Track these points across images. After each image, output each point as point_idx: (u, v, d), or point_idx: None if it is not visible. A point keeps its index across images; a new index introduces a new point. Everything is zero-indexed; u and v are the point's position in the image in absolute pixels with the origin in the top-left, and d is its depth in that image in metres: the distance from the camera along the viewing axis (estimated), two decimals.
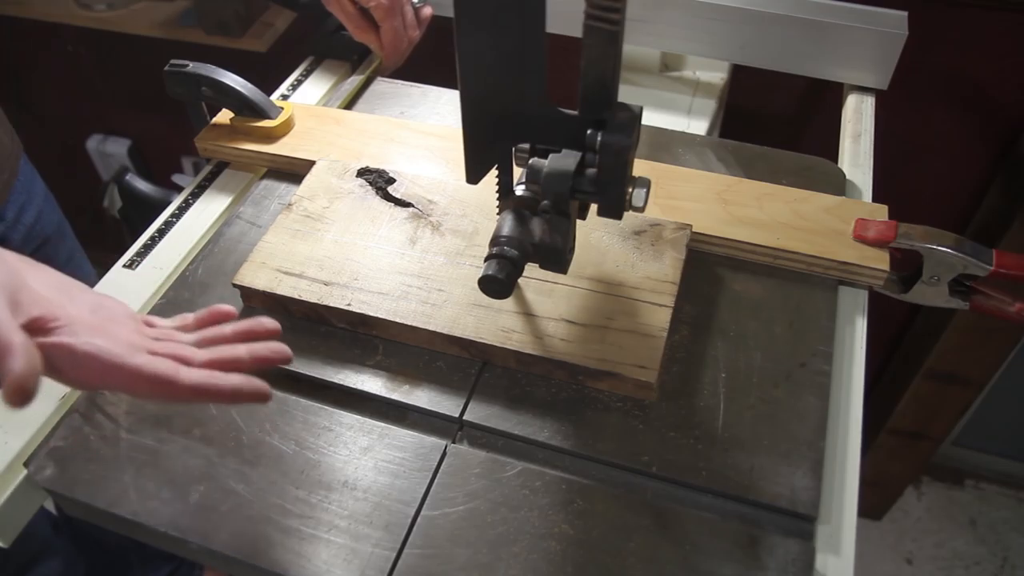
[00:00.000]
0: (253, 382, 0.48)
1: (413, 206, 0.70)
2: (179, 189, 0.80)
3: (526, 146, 0.54)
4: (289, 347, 0.61)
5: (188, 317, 0.53)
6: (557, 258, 0.56)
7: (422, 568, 0.51)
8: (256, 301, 0.66)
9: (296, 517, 0.53)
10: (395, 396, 0.60)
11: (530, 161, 0.54)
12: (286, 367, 0.60)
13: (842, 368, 0.62)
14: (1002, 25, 0.97)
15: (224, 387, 0.47)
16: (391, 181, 0.72)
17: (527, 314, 0.61)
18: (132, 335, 0.48)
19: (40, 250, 0.93)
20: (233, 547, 0.52)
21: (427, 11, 0.92)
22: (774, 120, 1.19)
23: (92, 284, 0.80)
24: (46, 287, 0.47)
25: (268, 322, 0.52)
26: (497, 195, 0.58)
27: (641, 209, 0.54)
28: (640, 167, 0.71)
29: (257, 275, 0.65)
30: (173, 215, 0.76)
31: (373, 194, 0.71)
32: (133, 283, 0.69)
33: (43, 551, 1.04)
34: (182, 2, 1.35)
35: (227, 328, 0.52)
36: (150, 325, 0.52)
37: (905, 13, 0.82)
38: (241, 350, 0.50)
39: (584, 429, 0.57)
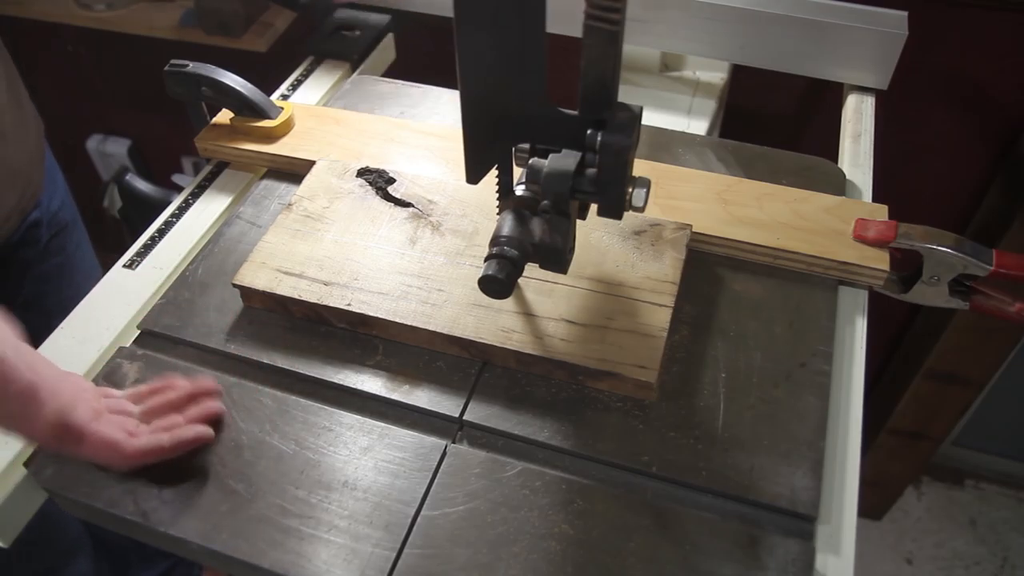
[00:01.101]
0: (191, 430, 0.56)
1: (413, 206, 0.70)
2: (179, 189, 0.80)
3: (526, 146, 0.54)
4: (289, 347, 0.62)
5: (141, 388, 0.59)
6: (557, 258, 0.56)
7: (422, 568, 0.51)
8: (256, 301, 0.66)
9: (296, 517, 0.53)
10: (395, 396, 0.60)
11: (530, 161, 0.54)
12: (286, 367, 0.61)
13: (842, 368, 0.62)
14: (1002, 25, 0.97)
15: (166, 444, 0.55)
16: (391, 181, 0.72)
17: (527, 314, 0.61)
18: (92, 404, 0.55)
19: (58, 236, 0.95)
20: (233, 547, 0.52)
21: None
22: (774, 120, 1.19)
23: (96, 276, 0.80)
24: None
25: (208, 383, 0.59)
26: (497, 195, 0.58)
27: (641, 209, 0.54)
28: (640, 167, 0.70)
29: (257, 275, 0.65)
30: (173, 215, 0.76)
31: (373, 194, 0.71)
32: (133, 283, 0.69)
33: (74, 550, 1.04)
34: (182, 2, 1.35)
35: (172, 394, 0.58)
36: (107, 396, 0.58)
37: (905, 13, 0.82)
38: (177, 419, 0.57)
39: (584, 429, 0.57)
